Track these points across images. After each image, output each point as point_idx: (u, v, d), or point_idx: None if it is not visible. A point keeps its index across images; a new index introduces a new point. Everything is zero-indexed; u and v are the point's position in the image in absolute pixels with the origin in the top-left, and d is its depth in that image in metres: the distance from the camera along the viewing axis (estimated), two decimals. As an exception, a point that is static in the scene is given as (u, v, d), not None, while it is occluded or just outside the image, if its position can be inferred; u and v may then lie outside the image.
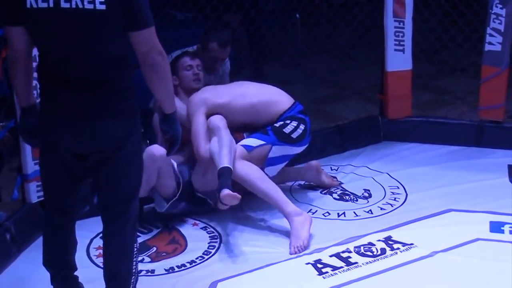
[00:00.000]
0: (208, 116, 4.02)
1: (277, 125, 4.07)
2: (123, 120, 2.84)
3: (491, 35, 4.70)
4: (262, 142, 4.01)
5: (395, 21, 4.83)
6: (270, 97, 4.17)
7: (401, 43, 4.87)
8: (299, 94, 4.78)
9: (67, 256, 3.14)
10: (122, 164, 2.88)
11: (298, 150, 4.17)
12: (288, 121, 4.09)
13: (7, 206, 4.04)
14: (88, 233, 3.86)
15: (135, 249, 3.03)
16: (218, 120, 3.96)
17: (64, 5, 2.68)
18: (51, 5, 2.68)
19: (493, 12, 4.67)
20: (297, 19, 6.41)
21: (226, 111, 4.04)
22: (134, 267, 3.03)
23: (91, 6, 2.67)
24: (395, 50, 4.88)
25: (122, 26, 2.73)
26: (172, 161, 4.00)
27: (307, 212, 4.06)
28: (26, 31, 2.77)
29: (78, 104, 2.78)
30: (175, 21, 5.70)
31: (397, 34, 4.86)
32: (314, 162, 4.41)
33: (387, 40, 4.87)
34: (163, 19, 5.37)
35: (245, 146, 3.99)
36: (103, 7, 2.67)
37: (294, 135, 4.08)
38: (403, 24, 4.84)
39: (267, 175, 3.98)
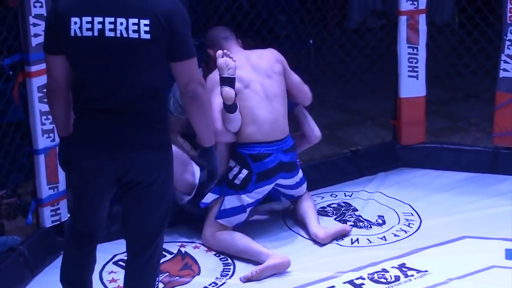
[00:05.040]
0: None
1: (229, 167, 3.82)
2: (155, 152, 2.80)
3: (505, 61, 4.68)
4: (216, 196, 3.85)
5: (408, 47, 4.83)
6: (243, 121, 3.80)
7: (415, 69, 4.87)
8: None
9: (84, 275, 3.12)
10: (151, 198, 2.84)
11: (250, 200, 3.82)
12: (233, 164, 3.82)
13: (21, 230, 4.04)
14: (101, 259, 3.84)
15: (157, 282, 2.99)
16: None
17: (108, 34, 2.65)
18: (96, 34, 2.66)
19: (507, 38, 4.66)
20: (311, 45, 6.43)
21: None
22: None
23: (136, 36, 2.65)
24: (409, 76, 4.87)
25: (165, 56, 2.70)
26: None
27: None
28: (66, 59, 2.74)
29: (111, 135, 2.75)
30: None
31: (410, 60, 4.86)
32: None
33: (401, 66, 4.87)
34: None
35: (201, 204, 3.85)
36: (147, 36, 2.64)
37: (237, 181, 3.79)
38: (417, 51, 4.84)
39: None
